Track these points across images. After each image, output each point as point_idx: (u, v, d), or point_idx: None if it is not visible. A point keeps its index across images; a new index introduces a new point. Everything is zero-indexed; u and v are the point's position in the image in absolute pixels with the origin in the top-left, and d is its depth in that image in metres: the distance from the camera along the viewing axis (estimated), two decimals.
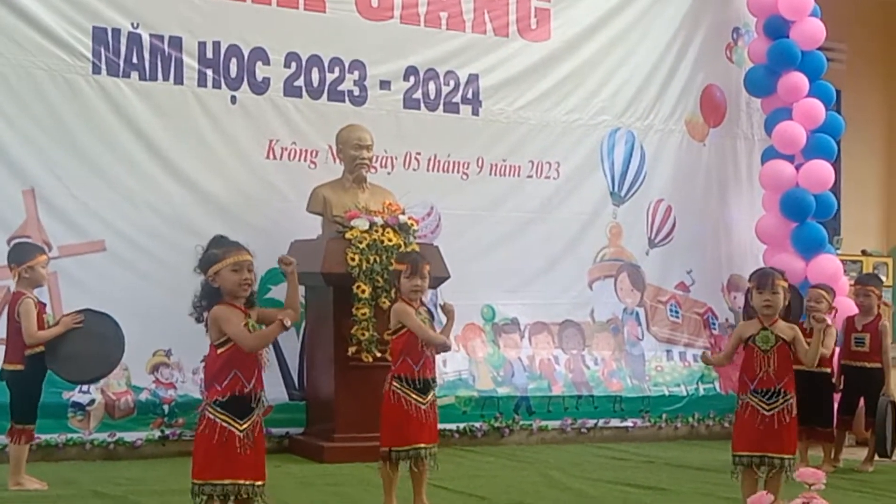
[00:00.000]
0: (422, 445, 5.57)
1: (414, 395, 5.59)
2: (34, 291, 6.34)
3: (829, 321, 7.82)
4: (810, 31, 9.37)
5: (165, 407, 7.58)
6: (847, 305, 8.47)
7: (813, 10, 9.41)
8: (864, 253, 11.66)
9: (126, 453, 7.43)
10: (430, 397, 5.63)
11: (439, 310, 5.92)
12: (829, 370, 7.68)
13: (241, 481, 4.43)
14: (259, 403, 4.50)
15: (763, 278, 5.53)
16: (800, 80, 9.33)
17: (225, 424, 4.40)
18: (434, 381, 5.69)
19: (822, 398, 7.62)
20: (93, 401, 7.36)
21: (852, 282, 8.99)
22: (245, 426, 4.42)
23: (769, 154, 9.52)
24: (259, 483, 4.50)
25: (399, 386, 5.56)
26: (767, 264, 8.65)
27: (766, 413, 5.43)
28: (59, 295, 7.41)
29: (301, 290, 7.68)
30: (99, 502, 5.90)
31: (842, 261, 9.76)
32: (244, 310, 4.54)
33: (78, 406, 7.28)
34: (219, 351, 4.45)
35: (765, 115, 9.74)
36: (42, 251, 6.55)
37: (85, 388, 7.26)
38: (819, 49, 9.55)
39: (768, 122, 9.61)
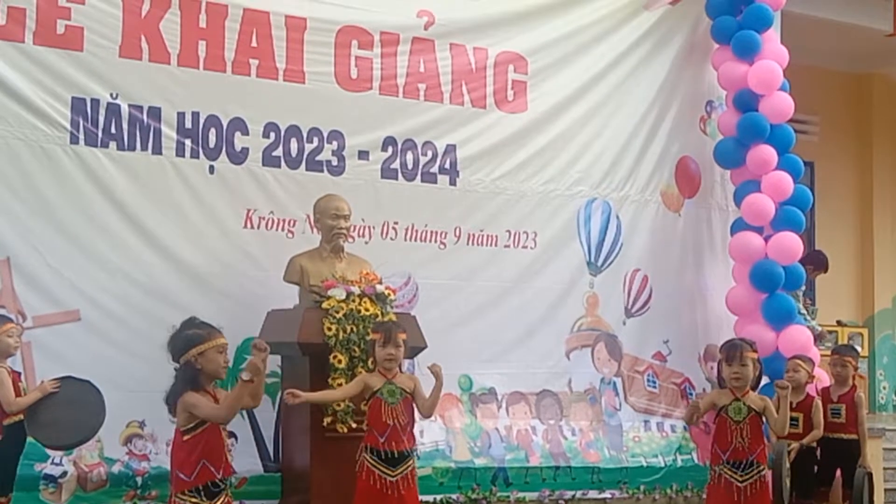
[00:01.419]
0: None
1: (381, 468, 5.55)
2: (7, 361, 6.29)
3: (812, 394, 7.83)
4: (779, 104, 9.50)
5: (139, 479, 7.46)
6: (821, 376, 8.50)
7: (782, 85, 9.56)
8: (839, 323, 11.73)
9: None
10: (400, 470, 5.58)
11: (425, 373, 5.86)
12: (814, 444, 7.66)
13: None
14: (227, 484, 4.44)
15: (731, 350, 5.57)
16: (768, 153, 9.44)
17: None
18: (407, 453, 5.63)
19: (805, 471, 7.60)
20: (65, 473, 7.23)
21: (827, 352, 9.02)
22: None
23: (739, 225, 9.61)
24: None
25: (368, 457, 5.57)
26: (738, 335, 8.70)
27: (739, 484, 5.42)
28: (32, 365, 7.30)
29: (276, 359, 7.70)
30: None
31: (815, 334, 9.79)
32: (215, 395, 4.51)
33: (50, 478, 7.15)
34: (185, 437, 4.41)
35: (735, 186, 9.83)
36: (9, 320, 6.50)
37: (57, 460, 7.15)
38: (791, 121, 9.69)
39: (738, 193, 9.70)
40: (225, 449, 4.47)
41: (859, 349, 11.03)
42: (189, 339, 4.48)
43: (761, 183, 9.46)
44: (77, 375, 6.53)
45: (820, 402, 7.73)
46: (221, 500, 4.40)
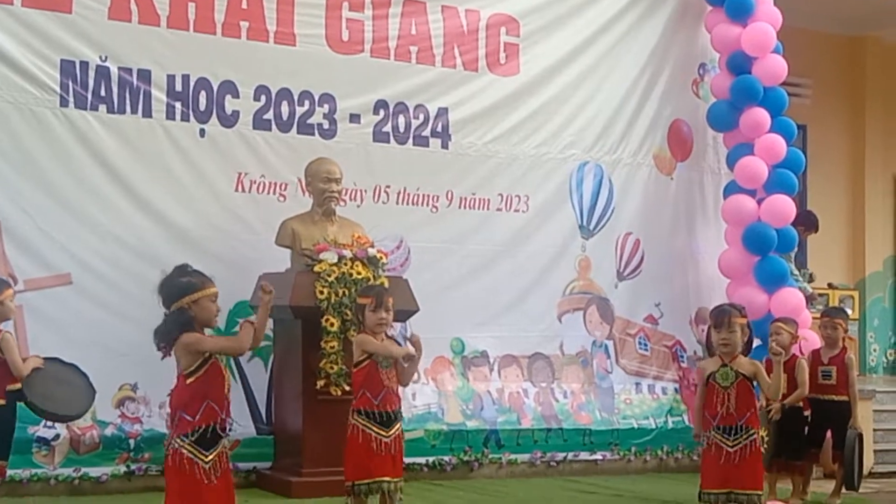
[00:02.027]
0: (385, 479, 5.57)
1: (375, 429, 5.60)
2: (2, 325, 6.30)
3: (797, 354, 7.88)
4: (772, 67, 9.48)
5: (131, 441, 7.50)
6: (812, 338, 8.54)
7: (776, 47, 9.53)
8: (830, 286, 11.76)
9: (91, 488, 7.34)
10: (393, 430, 5.63)
11: (408, 343, 5.92)
12: (800, 404, 7.71)
13: None
14: (227, 433, 4.47)
15: (720, 316, 5.58)
16: (762, 115, 9.42)
17: (191, 457, 4.36)
18: (397, 413, 5.70)
19: (794, 431, 7.66)
20: (58, 436, 7.26)
21: (818, 315, 9.05)
22: (210, 457, 4.40)
23: (731, 188, 9.61)
24: None
25: (360, 419, 5.61)
26: (731, 298, 8.73)
27: (729, 449, 5.45)
28: (24, 328, 7.32)
29: (269, 322, 7.70)
30: None
31: (809, 296, 9.83)
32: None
33: (43, 441, 7.18)
34: (189, 381, 4.43)
35: (727, 149, 9.83)
36: (8, 285, 6.52)
37: (49, 423, 7.18)
38: (784, 84, 9.67)
39: (730, 156, 9.70)
40: (226, 390, 4.50)
41: (850, 312, 11.06)
42: (184, 286, 4.50)
43: (754, 146, 9.45)
44: (65, 342, 6.61)
45: (804, 362, 7.76)
46: (216, 452, 4.41)
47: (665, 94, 9.85)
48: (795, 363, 7.71)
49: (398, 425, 5.70)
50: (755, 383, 5.63)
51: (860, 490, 7.97)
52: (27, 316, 7.35)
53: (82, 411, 6.54)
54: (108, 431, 7.48)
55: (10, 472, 6.80)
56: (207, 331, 4.64)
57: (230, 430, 4.52)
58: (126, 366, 7.41)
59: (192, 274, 4.59)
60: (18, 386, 6.19)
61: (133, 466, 7.46)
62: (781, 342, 7.70)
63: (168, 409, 4.81)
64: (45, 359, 6.38)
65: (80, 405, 6.42)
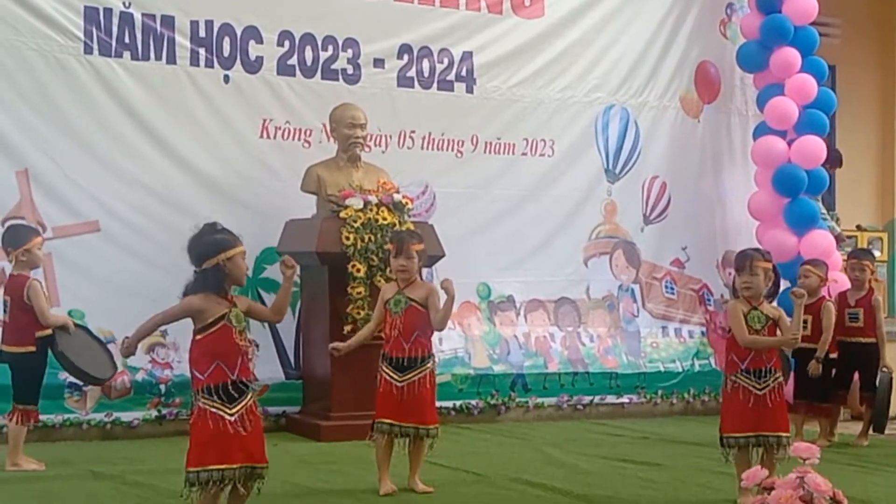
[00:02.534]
0: (388, 420, 5.65)
1: (389, 373, 5.68)
2: (31, 273, 6.36)
3: (825, 296, 7.85)
4: (803, 6, 9.35)
5: (162, 387, 7.60)
6: (842, 280, 8.49)
7: None
8: (858, 228, 11.68)
9: (123, 433, 7.45)
10: (407, 376, 5.67)
11: (440, 277, 5.92)
12: (827, 351, 7.70)
13: (236, 465, 4.42)
14: (248, 389, 4.48)
15: (742, 261, 5.56)
16: (792, 55, 9.31)
17: (214, 410, 4.39)
18: (413, 361, 5.71)
19: (822, 374, 7.66)
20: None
21: (846, 256, 9.00)
22: (235, 410, 4.40)
23: (761, 130, 9.52)
24: (258, 466, 4.49)
25: (382, 364, 5.71)
26: (760, 240, 8.69)
27: (758, 392, 5.46)
28: (53, 276, 7.41)
29: (294, 261, 7.74)
30: (96, 482, 5.92)
31: (837, 237, 9.77)
32: (233, 301, 4.54)
33: (74, 386, 7.28)
34: (197, 337, 4.46)
35: (757, 90, 9.73)
36: (37, 233, 6.58)
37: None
38: (813, 24, 9.53)
39: (760, 97, 9.60)
40: (239, 352, 4.48)
41: (878, 253, 10.99)
42: (218, 243, 4.50)
43: (784, 86, 9.35)
44: (93, 287, 6.92)
45: (831, 305, 7.73)
46: (240, 404, 4.42)
47: (692, 35, 9.75)
48: (822, 306, 7.69)
49: (417, 371, 5.72)
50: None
51: (886, 432, 7.98)
52: (56, 263, 7.43)
53: (105, 378, 6.58)
54: (139, 377, 7.57)
55: (42, 417, 6.89)
56: (236, 290, 4.67)
57: (251, 388, 4.51)
58: (155, 311, 7.40)
59: (224, 231, 4.59)
60: (48, 332, 6.26)
61: (164, 411, 7.57)
62: (809, 285, 7.68)
63: None
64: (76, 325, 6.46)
65: (105, 371, 6.46)
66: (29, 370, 6.31)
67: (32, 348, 6.27)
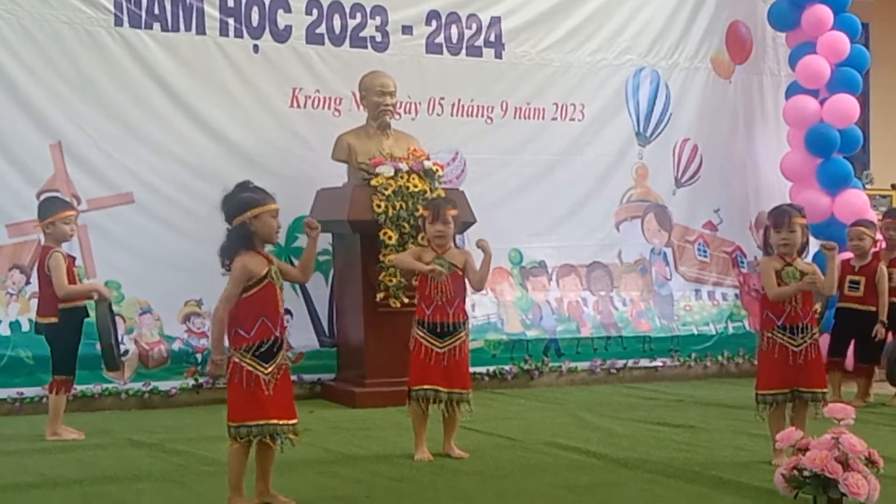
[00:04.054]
0: (433, 387, 5.66)
1: (430, 339, 5.68)
2: (63, 245, 6.41)
3: (877, 258, 7.77)
4: None
5: (198, 356, 7.67)
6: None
7: None
8: (893, 187, 11.56)
9: (160, 402, 7.54)
10: (449, 342, 5.68)
11: (476, 250, 5.91)
12: (873, 308, 7.64)
13: (272, 421, 4.50)
14: (284, 346, 4.56)
15: (780, 217, 5.52)
16: (824, 13, 9.20)
17: (251, 369, 4.46)
18: (455, 325, 5.72)
19: (867, 334, 7.62)
20: (126, 351, 7.44)
21: (880, 216, 8.92)
22: (270, 369, 4.49)
23: (793, 89, 9.42)
24: (291, 422, 4.57)
25: (417, 330, 5.71)
26: (793, 201, 8.62)
27: (795, 349, 5.45)
28: (89, 247, 7.49)
29: (328, 237, 7.80)
30: (135, 450, 6.00)
31: (870, 195, 9.69)
32: (269, 257, 4.59)
33: (123, 352, 7.32)
34: (244, 295, 4.49)
35: (789, 49, 9.63)
36: (67, 206, 6.58)
37: (119, 338, 7.35)
38: None
39: (792, 56, 9.50)
40: (280, 307, 4.57)
41: None
42: (245, 201, 4.53)
43: (817, 44, 9.24)
44: (131, 257, 7.00)
45: (885, 268, 7.66)
46: (275, 364, 4.50)
47: None
48: (877, 269, 7.64)
49: (456, 337, 5.73)
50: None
51: None
52: (92, 235, 7.51)
53: (114, 363, 6.40)
54: (176, 346, 7.65)
55: (81, 387, 7.02)
56: (268, 247, 4.69)
57: (289, 348, 4.59)
58: (190, 282, 7.55)
59: (254, 190, 4.62)
60: (69, 305, 6.28)
61: (201, 380, 7.64)
62: (863, 247, 7.65)
63: None
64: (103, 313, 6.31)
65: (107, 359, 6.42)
66: (57, 341, 6.36)
67: (55, 319, 6.30)
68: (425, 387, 5.68)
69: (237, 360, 4.47)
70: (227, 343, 4.56)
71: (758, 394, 5.57)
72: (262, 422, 4.48)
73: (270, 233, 4.59)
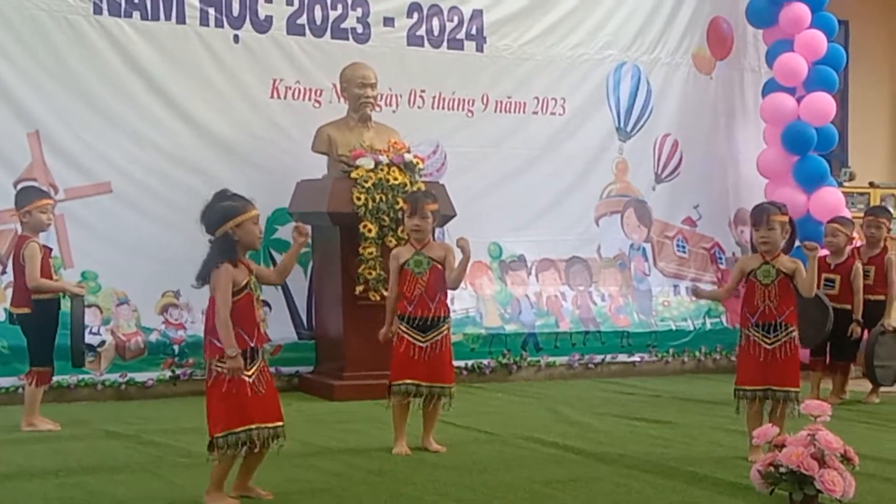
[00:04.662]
0: (415, 381, 5.66)
1: (412, 334, 5.68)
2: (41, 235, 6.37)
3: (853, 257, 7.81)
4: None
5: (175, 347, 7.65)
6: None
7: None
8: (871, 185, 11.63)
9: (137, 393, 7.52)
10: (430, 336, 5.69)
11: (452, 237, 5.94)
12: (849, 306, 7.69)
13: (259, 425, 4.47)
14: (262, 355, 4.53)
15: (758, 215, 5.55)
16: (802, 10, 9.24)
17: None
18: (436, 320, 5.73)
19: (842, 332, 7.66)
20: (103, 342, 7.42)
21: (860, 214, 8.98)
22: (252, 372, 4.45)
23: (770, 87, 9.46)
24: (277, 424, 4.55)
25: (401, 324, 5.70)
26: (769, 198, 8.66)
27: (767, 347, 5.48)
28: (66, 237, 7.45)
29: (308, 229, 7.75)
30: (111, 441, 5.98)
31: (846, 193, 9.74)
32: (249, 266, 4.56)
33: (89, 347, 7.30)
34: None
35: (766, 46, 9.67)
36: (43, 195, 6.52)
37: (95, 329, 7.34)
38: None
39: (769, 53, 9.54)
40: (257, 319, 4.54)
41: (893, 211, 10.95)
42: (226, 210, 4.49)
43: (794, 42, 9.29)
44: (107, 248, 6.98)
45: (860, 267, 7.71)
46: (255, 367, 4.48)
47: None
48: (852, 268, 7.69)
49: (439, 330, 5.73)
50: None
51: (894, 387, 8.00)
52: (69, 225, 7.46)
53: (79, 358, 6.44)
54: (153, 338, 7.62)
55: (57, 377, 6.94)
56: (250, 254, 4.67)
57: (266, 347, 4.56)
58: (168, 272, 7.50)
59: (233, 198, 4.57)
60: (43, 296, 6.24)
61: (178, 371, 7.63)
62: (837, 244, 7.70)
63: None
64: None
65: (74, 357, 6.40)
66: (31, 332, 6.32)
67: (28, 310, 6.26)
68: (406, 381, 5.69)
69: (217, 369, 4.43)
70: (205, 353, 4.53)
71: (735, 388, 5.61)
72: (248, 427, 4.43)
73: (253, 240, 4.56)
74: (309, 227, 4.91)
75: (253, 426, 4.45)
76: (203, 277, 4.50)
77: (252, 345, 4.46)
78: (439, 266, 5.76)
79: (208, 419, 4.49)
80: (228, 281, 4.43)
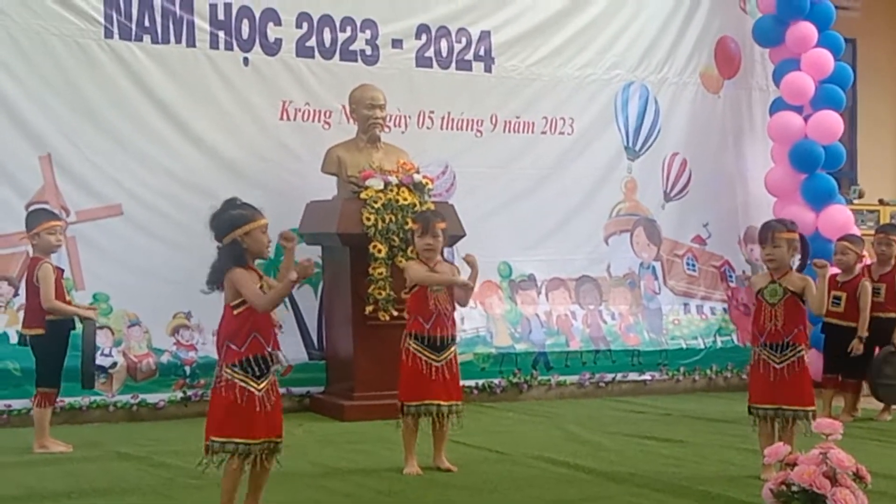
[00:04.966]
0: (435, 402, 5.66)
1: (427, 353, 5.67)
2: (52, 257, 6.39)
3: (861, 275, 7.78)
4: None
5: (187, 368, 7.66)
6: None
7: None
8: (881, 202, 11.61)
9: (148, 414, 7.52)
10: (445, 355, 5.69)
11: (463, 263, 5.94)
12: (854, 324, 7.65)
13: (261, 440, 4.47)
14: (276, 363, 4.53)
15: (763, 233, 5.55)
16: (808, 30, 9.27)
17: (244, 385, 4.43)
18: (451, 339, 5.74)
19: (849, 350, 7.63)
20: (115, 363, 7.43)
21: (871, 232, 8.96)
22: (263, 385, 4.46)
23: (778, 105, 9.49)
24: (277, 440, 4.55)
25: (413, 344, 5.68)
26: (777, 216, 8.66)
27: (776, 366, 5.47)
28: (78, 259, 7.47)
29: (317, 250, 7.79)
30: (123, 463, 5.98)
31: (855, 211, 9.73)
32: (259, 273, 4.58)
33: (100, 369, 7.31)
34: (235, 312, 4.47)
35: (773, 65, 9.68)
36: (52, 217, 6.55)
37: (107, 351, 7.36)
38: None
39: (776, 72, 9.56)
40: (273, 325, 4.56)
41: None
42: (235, 218, 4.51)
43: (801, 61, 9.31)
44: (118, 271, 7.07)
45: (868, 284, 7.67)
46: (266, 381, 4.47)
47: (712, 10, 9.71)
48: (859, 285, 7.66)
49: (450, 350, 5.75)
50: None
51: None
52: (80, 247, 7.49)
53: (89, 381, 6.42)
54: (164, 359, 7.63)
55: (69, 399, 6.99)
56: (259, 262, 4.68)
57: (279, 362, 4.56)
58: (179, 294, 7.51)
59: (243, 206, 4.60)
60: (57, 317, 6.26)
61: (189, 392, 7.63)
62: (847, 262, 7.68)
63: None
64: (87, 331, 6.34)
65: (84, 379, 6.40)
66: (42, 353, 6.33)
67: (41, 331, 6.28)
68: (426, 402, 5.67)
69: (228, 375, 4.44)
70: (218, 358, 4.54)
71: (749, 406, 5.60)
72: (248, 440, 4.43)
73: (261, 248, 4.58)
74: (296, 240, 4.86)
75: (252, 440, 4.44)
76: (213, 282, 4.52)
77: (268, 350, 4.48)
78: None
79: (208, 421, 4.50)
80: (248, 277, 4.45)
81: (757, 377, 5.55)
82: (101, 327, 7.16)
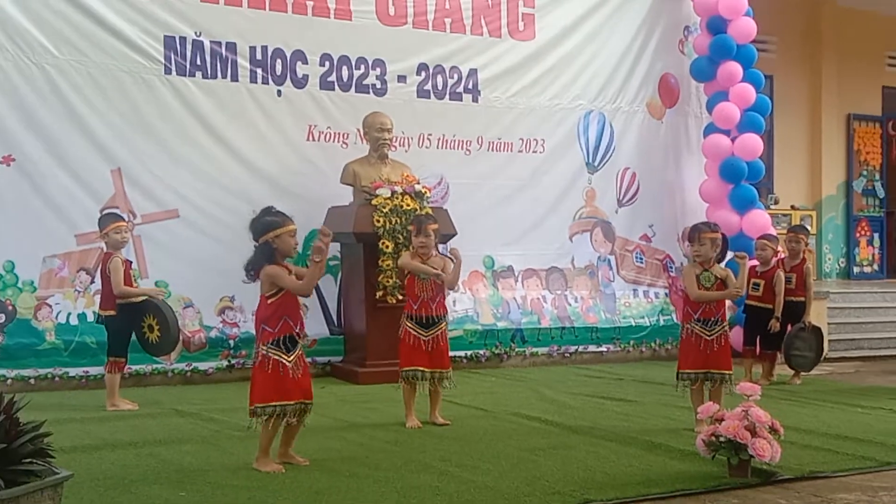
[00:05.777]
0: (420, 368, 5.65)
1: (416, 329, 5.67)
2: (122, 251, 6.38)
3: (776, 266, 7.80)
4: (744, 27, 9.31)
5: (231, 342, 7.64)
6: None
7: (747, 11, 9.35)
8: (793, 208, 11.64)
9: (200, 379, 7.50)
10: (432, 332, 5.68)
11: (449, 253, 5.92)
12: (770, 305, 7.67)
13: (294, 401, 4.50)
14: (302, 339, 4.55)
15: (692, 232, 5.57)
16: (735, 68, 9.28)
17: (277, 358, 4.44)
18: (437, 318, 5.72)
19: (765, 327, 7.65)
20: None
21: (784, 231, 8.98)
22: (292, 358, 4.47)
23: (710, 129, 9.51)
24: (307, 402, 4.55)
25: (407, 322, 5.70)
26: (709, 219, 8.68)
27: (707, 338, 5.46)
28: (143, 254, 7.46)
29: (336, 246, 7.78)
30: (179, 418, 5.97)
31: (772, 215, 9.73)
32: (289, 268, 4.58)
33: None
34: (269, 301, 4.48)
35: (707, 97, 9.69)
36: (118, 219, 6.52)
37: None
38: (754, 42, 9.49)
39: (709, 102, 9.57)
40: (300, 310, 4.58)
41: (810, 228, 10.96)
42: (267, 223, 4.52)
43: (729, 93, 9.32)
44: (174, 263, 7.04)
45: (782, 274, 7.69)
46: (295, 354, 4.50)
47: (656, 52, 9.69)
48: (774, 275, 7.69)
49: (438, 327, 5.73)
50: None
51: (814, 372, 7.97)
52: (145, 244, 7.47)
53: (167, 351, 6.53)
54: (213, 334, 7.62)
55: (134, 367, 6.98)
56: (288, 260, 4.68)
57: (305, 338, 4.58)
58: (225, 282, 7.51)
59: (276, 214, 4.60)
60: (125, 301, 6.24)
61: (233, 361, 7.62)
62: (765, 256, 7.70)
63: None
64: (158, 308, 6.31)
65: (169, 347, 6.44)
66: (113, 329, 6.33)
67: (113, 312, 6.28)
68: (413, 368, 5.68)
69: (264, 352, 4.45)
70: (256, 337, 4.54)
71: (679, 372, 5.59)
72: (285, 402, 4.46)
73: (289, 249, 4.58)
74: (331, 235, 4.84)
75: (287, 402, 4.47)
76: (250, 273, 4.54)
77: (296, 330, 4.49)
78: None
79: (251, 392, 4.53)
80: (280, 270, 4.45)
81: (689, 347, 5.53)
82: None
